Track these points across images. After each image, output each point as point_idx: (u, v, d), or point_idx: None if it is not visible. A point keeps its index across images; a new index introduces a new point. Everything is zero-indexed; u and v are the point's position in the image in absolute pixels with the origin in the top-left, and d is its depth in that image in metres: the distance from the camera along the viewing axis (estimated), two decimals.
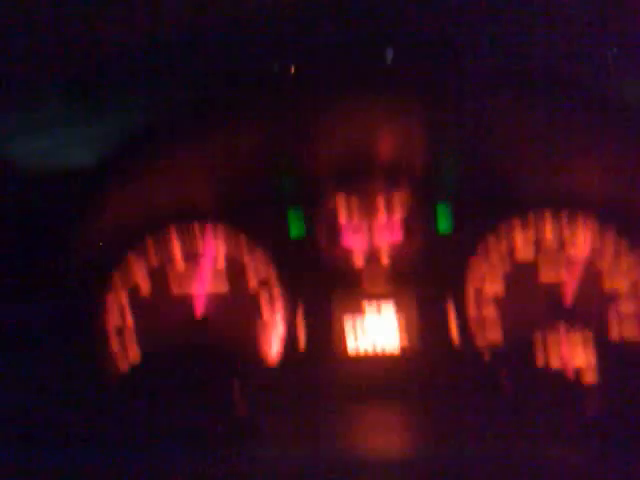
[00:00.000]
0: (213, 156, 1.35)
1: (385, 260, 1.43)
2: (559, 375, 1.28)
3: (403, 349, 1.37)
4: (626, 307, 1.32)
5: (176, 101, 1.29)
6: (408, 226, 1.43)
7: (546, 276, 1.36)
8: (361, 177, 1.45)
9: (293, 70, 1.21)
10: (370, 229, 1.44)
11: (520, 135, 1.27)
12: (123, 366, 1.39)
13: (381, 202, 1.45)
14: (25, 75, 1.12)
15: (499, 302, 1.36)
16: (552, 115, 1.20)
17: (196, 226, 1.44)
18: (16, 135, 1.38)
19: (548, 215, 1.38)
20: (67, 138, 1.43)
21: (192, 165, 1.36)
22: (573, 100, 1.18)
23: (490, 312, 1.36)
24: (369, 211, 1.44)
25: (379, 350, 1.37)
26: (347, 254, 1.44)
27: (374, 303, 1.40)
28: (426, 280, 1.39)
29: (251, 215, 1.44)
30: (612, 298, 1.33)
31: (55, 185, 1.36)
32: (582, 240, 1.36)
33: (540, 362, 1.30)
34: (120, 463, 1.12)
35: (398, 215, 1.44)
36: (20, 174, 1.38)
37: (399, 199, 1.44)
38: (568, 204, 1.37)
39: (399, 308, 1.39)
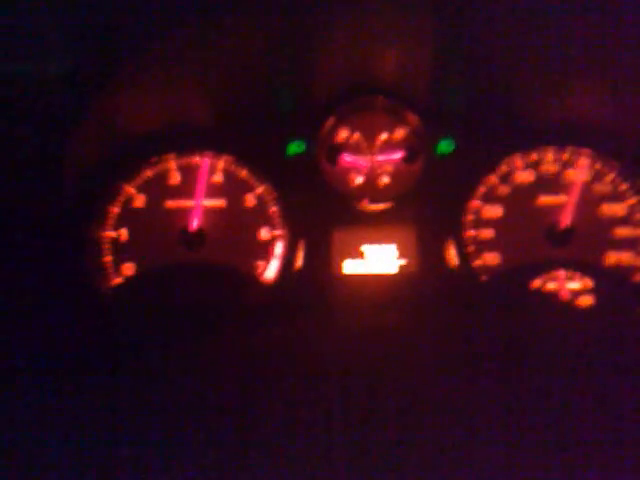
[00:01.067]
0: (209, 71, 1.29)
1: (384, 180, 1.41)
2: (554, 297, 1.30)
3: (400, 269, 1.36)
4: (622, 232, 1.33)
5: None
6: (409, 146, 1.41)
7: (544, 199, 1.36)
8: (362, 95, 1.42)
9: None
10: (370, 148, 1.41)
11: (524, 59, 1.24)
12: (117, 279, 1.36)
13: (382, 121, 1.42)
14: None
15: (497, 224, 1.36)
16: (557, 40, 1.18)
17: (193, 142, 1.41)
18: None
19: (548, 140, 1.38)
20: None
21: (188, 81, 1.31)
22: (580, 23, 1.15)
23: (488, 233, 1.36)
24: (369, 130, 1.42)
25: (376, 270, 1.37)
26: (346, 172, 1.42)
27: (372, 222, 1.39)
28: (425, 200, 1.38)
29: (249, 131, 1.40)
30: (608, 223, 1.34)
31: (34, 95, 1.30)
32: (581, 165, 1.36)
33: (536, 284, 1.32)
34: (111, 374, 1.11)
35: (399, 135, 1.41)
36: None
37: (400, 119, 1.41)
38: (568, 132, 1.37)
39: (397, 227, 1.38)
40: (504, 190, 1.37)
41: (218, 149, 1.40)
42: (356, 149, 1.42)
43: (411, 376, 1.05)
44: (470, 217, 1.36)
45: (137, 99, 1.29)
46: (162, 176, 1.40)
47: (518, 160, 1.37)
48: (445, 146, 1.38)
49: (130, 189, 1.38)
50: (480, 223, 1.36)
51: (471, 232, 1.36)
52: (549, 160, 1.37)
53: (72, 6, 1.31)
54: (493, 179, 1.37)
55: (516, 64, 1.26)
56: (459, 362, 1.07)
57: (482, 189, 1.37)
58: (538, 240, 1.35)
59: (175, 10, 1.16)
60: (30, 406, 1.05)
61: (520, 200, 1.36)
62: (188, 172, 1.40)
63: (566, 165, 1.36)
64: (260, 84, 1.35)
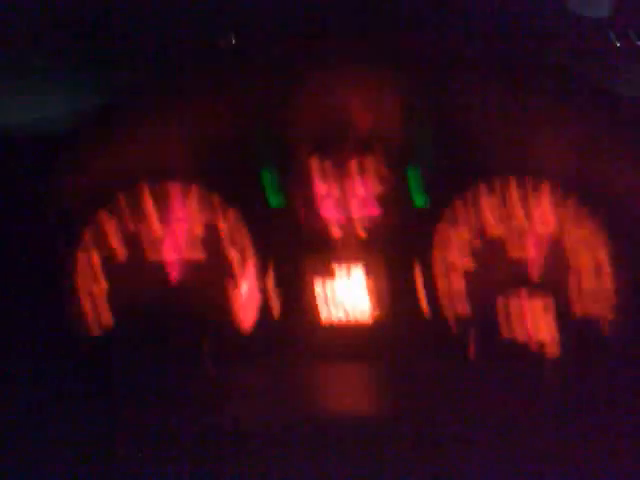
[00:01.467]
0: (187, 116, 1.33)
1: (360, 231, 1.44)
2: (523, 348, 1.34)
3: (374, 318, 1.40)
4: (589, 283, 1.37)
5: (150, 62, 1.25)
6: (382, 197, 1.44)
7: (512, 249, 1.39)
8: (335, 142, 1.44)
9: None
10: (345, 199, 1.44)
11: (491, 105, 1.28)
12: (95, 330, 1.38)
13: (355, 170, 1.44)
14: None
15: (467, 274, 1.39)
16: (522, 88, 1.21)
17: (170, 188, 1.43)
18: None
19: (515, 186, 1.40)
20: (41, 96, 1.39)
21: (166, 125, 1.34)
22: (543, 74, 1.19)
23: (458, 283, 1.39)
24: (344, 179, 1.45)
25: (351, 318, 1.41)
26: (324, 224, 1.45)
27: (346, 272, 1.42)
28: (396, 251, 1.42)
29: (228, 181, 1.43)
30: (576, 273, 1.37)
31: (24, 144, 1.33)
32: (548, 215, 1.39)
33: (505, 334, 1.36)
34: (89, 426, 1.14)
35: (373, 185, 1.44)
36: None
37: (373, 167, 1.44)
38: (535, 176, 1.40)
39: (370, 277, 1.42)
40: (473, 240, 1.39)
41: (195, 196, 1.43)
42: (332, 200, 1.44)
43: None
44: (440, 266, 1.39)
45: (118, 144, 1.32)
46: (140, 227, 1.42)
47: (487, 207, 1.40)
48: (418, 198, 1.41)
49: (106, 238, 1.40)
50: (450, 272, 1.39)
51: (441, 281, 1.39)
52: (517, 210, 1.39)
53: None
54: (463, 230, 1.39)
55: (481, 119, 1.30)
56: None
57: (452, 239, 1.39)
58: (506, 289, 1.37)
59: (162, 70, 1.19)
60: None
61: (489, 250, 1.38)
62: (167, 223, 1.42)
63: (534, 215, 1.38)
64: (235, 134, 1.38)
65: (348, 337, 1.41)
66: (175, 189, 1.42)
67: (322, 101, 1.34)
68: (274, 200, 1.42)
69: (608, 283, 1.35)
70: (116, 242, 1.41)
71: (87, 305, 1.40)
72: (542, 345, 1.34)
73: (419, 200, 1.41)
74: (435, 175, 1.41)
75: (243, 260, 1.41)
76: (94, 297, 1.40)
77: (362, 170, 1.44)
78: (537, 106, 1.25)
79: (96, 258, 1.41)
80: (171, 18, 1.15)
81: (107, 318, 1.40)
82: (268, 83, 1.26)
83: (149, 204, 1.42)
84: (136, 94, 1.27)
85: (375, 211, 1.44)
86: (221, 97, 1.29)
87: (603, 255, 1.36)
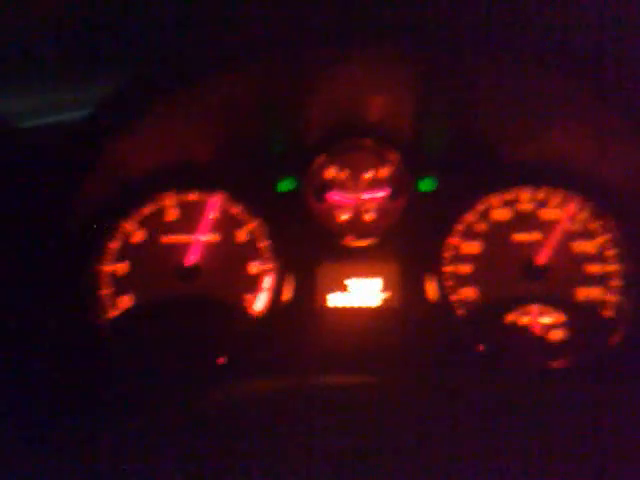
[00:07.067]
0: (208, 119, 1.38)
1: (369, 216, 1.49)
2: (528, 331, 1.37)
3: (383, 302, 1.44)
4: (592, 269, 1.40)
5: (166, 61, 1.29)
6: (392, 184, 1.49)
7: (520, 237, 1.43)
8: (350, 136, 1.51)
9: None
10: (356, 186, 1.49)
11: (504, 106, 1.32)
12: (114, 312, 1.44)
13: (367, 160, 1.51)
14: (21, 31, 1.13)
15: (475, 259, 1.43)
16: (535, 88, 1.24)
17: (190, 180, 1.50)
18: (11, 94, 1.37)
19: (524, 180, 1.45)
20: (62, 97, 1.43)
21: (183, 120, 1.39)
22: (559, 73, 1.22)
23: (465, 269, 1.43)
24: (356, 169, 1.51)
25: (360, 303, 1.44)
26: (333, 209, 1.50)
27: (356, 257, 1.47)
28: (407, 236, 1.46)
29: (243, 169, 1.49)
30: (580, 260, 1.40)
31: (50, 143, 1.37)
32: (555, 205, 1.43)
33: (510, 318, 1.38)
34: (106, 405, 1.18)
35: (383, 173, 1.50)
36: (15, 133, 1.39)
37: (385, 158, 1.49)
38: (543, 172, 1.44)
39: (379, 262, 1.46)
40: (482, 227, 1.44)
41: (213, 187, 1.48)
42: (343, 187, 1.50)
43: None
44: (449, 253, 1.43)
45: (140, 144, 1.37)
46: (160, 212, 1.48)
47: (495, 199, 1.44)
48: (427, 184, 1.46)
49: (129, 225, 1.46)
50: (459, 259, 1.43)
51: (450, 267, 1.43)
52: (525, 199, 1.44)
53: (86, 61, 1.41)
54: (471, 217, 1.44)
55: (494, 111, 1.34)
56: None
57: (461, 226, 1.44)
58: (513, 275, 1.41)
59: (181, 68, 1.24)
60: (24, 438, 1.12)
61: (497, 237, 1.43)
62: (185, 209, 1.48)
63: (541, 204, 1.43)
64: (254, 128, 1.44)
65: (356, 322, 1.44)
66: (194, 182, 1.49)
67: (338, 97, 1.39)
68: (285, 186, 1.49)
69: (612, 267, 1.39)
70: (137, 227, 1.47)
71: (106, 290, 1.45)
72: (547, 329, 1.37)
73: (425, 185, 1.47)
74: (442, 162, 1.47)
75: (256, 244, 1.46)
76: (113, 281, 1.45)
77: (371, 155, 1.50)
78: (555, 114, 1.29)
79: (115, 244, 1.46)
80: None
81: (126, 301, 1.44)
82: (282, 90, 1.31)
83: (169, 196, 1.48)
84: (154, 103, 1.31)
85: (383, 196, 1.50)
86: (237, 105, 1.34)
87: (605, 240, 1.40)
